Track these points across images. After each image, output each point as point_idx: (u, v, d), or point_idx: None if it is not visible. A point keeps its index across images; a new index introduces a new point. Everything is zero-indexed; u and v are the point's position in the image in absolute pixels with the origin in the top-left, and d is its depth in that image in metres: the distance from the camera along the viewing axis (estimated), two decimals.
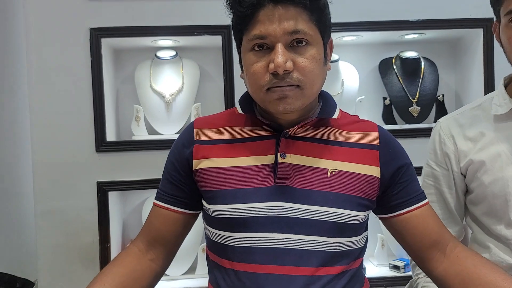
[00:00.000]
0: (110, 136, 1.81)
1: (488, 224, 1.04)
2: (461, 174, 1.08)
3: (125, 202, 1.95)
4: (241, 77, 0.92)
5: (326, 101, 0.95)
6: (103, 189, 1.74)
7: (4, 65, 1.99)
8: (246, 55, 0.86)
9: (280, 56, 0.80)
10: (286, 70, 0.81)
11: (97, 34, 1.72)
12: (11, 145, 1.90)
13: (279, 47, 0.81)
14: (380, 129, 0.95)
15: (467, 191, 1.10)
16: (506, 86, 1.04)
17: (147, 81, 1.87)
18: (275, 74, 0.82)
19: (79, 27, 1.72)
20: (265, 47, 0.84)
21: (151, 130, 1.89)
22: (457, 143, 1.07)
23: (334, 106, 0.95)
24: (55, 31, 1.72)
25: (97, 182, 1.74)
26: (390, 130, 1.79)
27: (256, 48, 0.84)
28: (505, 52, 0.96)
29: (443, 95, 1.95)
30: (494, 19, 1.01)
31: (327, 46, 0.90)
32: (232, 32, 0.92)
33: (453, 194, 1.10)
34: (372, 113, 1.99)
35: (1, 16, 1.99)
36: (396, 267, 1.83)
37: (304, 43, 0.83)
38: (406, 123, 1.90)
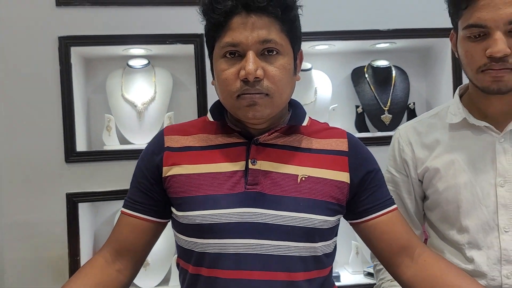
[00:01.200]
0: (81, 146, 1.77)
1: (442, 229, 1.06)
2: (419, 180, 1.10)
3: (96, 214, 1.91)
4: (212, 84, 0.93)
5: (295, 109, 0.96)
6: (73, 200, 1.70)
7: None
8: (217, 61, 0.87)
9: (251, 63, 0.82)
10: (257, 77, 0.82)
11: (66, 43, 1.69)
12: None
13: (251, 55, 0.82)
14: (349, 135, 0.96)
15: (424, 197, 1.12)
16: (461, 96, 1.07)
17: (119, 90, 1.84)
18: (246, 81, 0.83)
19: (47, 35, 1.69)
20: (237, 55, 0.85)
21: (123, 140, 1.86)
22: (415, 150, 1.09)
23: (303, 113, 0.96)
24: (22, 39, 1.68)
25: (66, 194, 1.69)
26: (362, 138, 1.83)
27: (227, 55, 0.85)
28: (461, 63, 0.99)
29: (414, 103, 1.99)
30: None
31: (297, 56, 0.92)
32: (205, 39, 0.92)
33: (412, 200, 1.12)
34: (345, 121, 2.01)
35: None
36: (370, 274, 1.84)
37: (275, 52, 0.85)
38: (379, 131, 1.93)
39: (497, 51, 0.88)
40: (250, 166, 0.89)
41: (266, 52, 0.84)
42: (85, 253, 1.75)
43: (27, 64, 1.68)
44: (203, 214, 0.86)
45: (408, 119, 1.97)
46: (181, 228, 0.91)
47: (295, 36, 0.89)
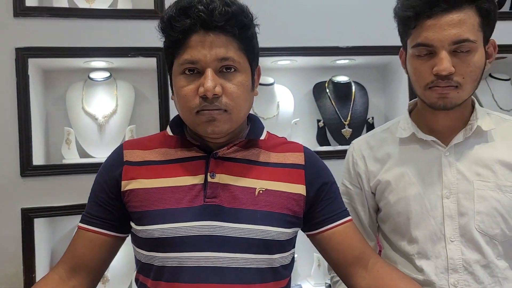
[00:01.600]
0: (38, 159, 1.72)
1: (395, 240, 1.10)
2: (372, 193, 1.13)
3: (54, 229, 1.85)
4: (172, 99, 0.94)
5: (254, 123, 0.99)
6: (28, 215, 1.64)
7: None
8: (177, 78, 0.88)
9: (210, 81, 0.83)
10: (215, 94, 0.84)
11: (24, 54, 1.65)
12: None
13: (209, 72, 0.84)
14: (305, 149, 0.99)
15: (378, 209, 1.15)
16: (410, 112, 1.12)
17: (79, 102, 1.81)
18: (205, 98, 0.84)
19: (4, 46, 1.65)
20: (196, 71, 0.86)
21: (83, 153, 1.82)
22: (368, 164, 1.12)
23: (261, 128, 0.99)
24: None
25: (21, 209, 1.64)
26: (324, 151, 1.87)
27: (186, 72, 0.87)
28: (410, 80, 1.04)
29: (372, 118, 2.05)
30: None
31: (254, 73, 0.95)
32: (164, 55, 0.93)
33: (366, 212, 1.15)
34: (306, 134, 2.04)
35: None
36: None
37: (233, 69, 0.87)
38: (339, 144, 1.97)
39: (442, 69, 0.93)
40: (209, 179, 0.89)
41: (225, 69, 0.86)
42: (41, 270, 1.69)
43: None
44: (162, 228, 0.86)
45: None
46: (140, 242, 0.90)
47: (252, 53, 0.91)
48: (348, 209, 1.01)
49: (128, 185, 0.91)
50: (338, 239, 0.95)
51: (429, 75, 0.96)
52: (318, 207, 0.95)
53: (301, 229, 0.99)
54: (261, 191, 0.90)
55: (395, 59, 1.97)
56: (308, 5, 1.88)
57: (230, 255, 0.86)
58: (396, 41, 1.06)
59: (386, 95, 2.14)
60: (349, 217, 0.98)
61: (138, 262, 0.94)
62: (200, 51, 0.84)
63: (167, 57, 0.91)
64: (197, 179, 0.90)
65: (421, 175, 1.05)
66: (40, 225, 1.71)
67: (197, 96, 0.85)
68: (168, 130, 0.97)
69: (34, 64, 1.71)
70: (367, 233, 1.16)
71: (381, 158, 1.11)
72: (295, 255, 1.85)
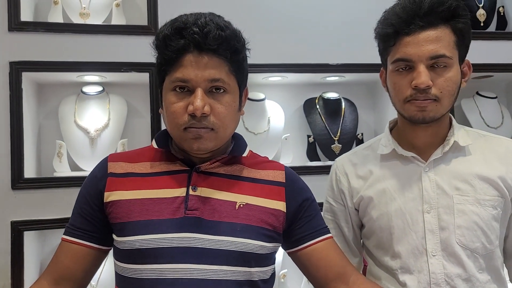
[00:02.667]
0: (29, 172, 1.73)
1: (378, 256, 1.11)
2: (355, 209, 1.15)
3: (43, 242, 1.85)
4: (160, 112, 0.97)
5: (237, 141, 1.02)
6: (18, 228, 1.64)
7: None
8: (167, 94, 0.91)
9: (199, 100, 0.86)
10: (204, 113, 0.87)
11: (18, 68, 1.67)
12: None
13: (199, 92, 0.87)
14: (286, 168, 1.02)
15: (361, 226, 1.17)
16: (391, 130, 1.15)
17: (72, 116, 1.82)
18: (193, 116, 0.87)
19: None
20: (186, 89, 0.89)
21: (75, 167, 1.83)
22: (350, 181, 1.15)
23: (244, 145, 1.02)
24: None
25: (11, 222, 1.64)
26: (314, 166, 1.89)
27: (177, 89, 0.89)
28: (390, 97, 1.08)
29: (362, 134, 2.08)
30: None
31: (242, 93, 0.98)
32: (156, 70, 0.95)
33: (350, 228, 1.17)
34: (297, 150, 2.07)
35: None
36: None
37: (222, 90, 0.90)
38: (329, 160, 2.00)
39: (420, 83, 0.97)
40: (191, 192, 0.91)
41: (214, 90, 0.89)
42: (29, 283, 1.67)
43: None
44: (143, 239, 0.88)
45: None
46: (121, 254, 0.91)
47: (242, 76, 0.94)
48: (332, 226, 1.03)
49: (110, 196, 0.93)
50: (319, 256, 0.96)
51: (407, 89, 1.00)
52: (298, 224, 0.97)
53: (282, 247, 1.00)
54: (241, 205, 0.92)
55: None
56: (299, 22, 1.92)
57: (209, 267, 0.87)
58: None
59: (376, 111, 2.18)
60: (329, 234, 1.00)
61: (117, 275, 0.95)
62: (192, 71, 0.87)
63: (159, 72, 0.93)
64: (179, 192, 0.92)
65: (402, 190, 1.07)
66: (29, 238, 1.70)
67: (185, 114, 0.88)
68: (154, 143, 0.99)
69: (27, 78, 1.72)
70: (351, 249, 1.17)
71: (363, 175, 1.13)
72: (284, 271, 1.88)
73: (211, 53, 0.87)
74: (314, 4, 1.94)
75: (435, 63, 0.98)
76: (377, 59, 1.91)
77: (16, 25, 1.68)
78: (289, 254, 1.01)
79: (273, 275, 0.98)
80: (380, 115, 2.14)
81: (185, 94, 0.89)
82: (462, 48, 1.02)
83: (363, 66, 1.95)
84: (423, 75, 0.96)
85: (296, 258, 0.99)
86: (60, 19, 1.80)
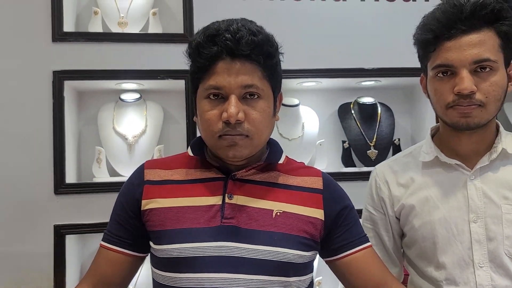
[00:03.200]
0: (70, 178, 1.78)
1: (421, 266, 1.08)
2: (396, 218, 1.12)
3: (84, 246, 1.90)
4: (194, 120, 0.97)
5: (273, 147, 1.00)
6: (61, 232, 1.70)
7: None
8: (201, 102, 0.91)
9: (233, 107, 0.86)
10: (238, 120, 0.86)
11: (60, 77, 1.73)
12: None
13: (233, 99, 0.86)
14: (324, 175, 1.00)
15: (402, 234, 1.14)
16: (432, 136, 1.12)
17: (110, 123, 1.87)
18: (228, 123, 0.87)
19: (43, 69, 1.73)
20: (220, 96, 0.89)
21: (113, 172, 1.88)
22: (391, 189, 1.12)
23: (280, 152, 1.00)
24: (19, 73, 1.72)
25: (54, 225, 1.69)
26: (349, 173, 1.86)
27: (211, 96, 0.89)
28: (431, 103, 1.04)
29: (399, 139, 2.04)
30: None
31: (277, 99, 0.97)
32: (189, 78, 0.96)
33: (390, 237, 1.14)
34: (331, 155, 2.05)
35: None
36: None
37: (256, 96, 0.89)
38: (365, 166, 1.96)
39: (463, 88, 0.93)
40: (227, 200, 0.91)
41: (248, 96, 0.88)
42: (71, 286, 1.73)
43: (21, 97, 1.71)
44: (180, 248, 0.88)
45: (394, 154, 2.01)
46: (158, 262, 0.92)
47: (275, 81, 0.94)
48: (371, 235, 1.00)
49: (148, 205, 0.94)
50: (358, 266, 0.94)
51: (449, 95, 0.97)
52: (336, 232, 0.95)
53: (320, 255, 0.99)
54: (278, 213, 0.91)
55: None
56: (333, 27, 1.90)
57: (246, 276, 0.86)
58: None
59: (413, 116, 2.13)
60: (368, 243, 0.97)
61: (154, 283, 0.96)
62: (226, 78, 0.86)
63: (192, 80, 0.94)
64: (215, 200, 0.92)
65: (446, 198, 1.04)
66: (71, 241, 1.76)
67: (220, 121, 0.87)
68: (189, 150, 0.99)
69: (69, 86, 1.78)
70: (391, 259, 1.14)
71: (404, 183, 1.10)
72: (319, 278, 1.86)
73: (244, 59, 0.87)
74: (348, 8, 1.92)
75: (479, 68, 0.94)
76: (414, 63, 1.87)
77: (59, 35, 1.74)
78: (326, 262, 0.99)
79: (311, 283, 0.97)
80: (417, 120, 2.09)
81: (219, 102, 0.88)
82: (508, 51, 0.97)
83: (399, 70, 1.91)
84: (466, 81, 0.93)
85: (334, 267, 0.98)
86: (99, 29, 1.86)
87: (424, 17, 1.02)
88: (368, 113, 2.01)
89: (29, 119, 1.72)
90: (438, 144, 1.08)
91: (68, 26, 1.81)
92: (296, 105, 1.97)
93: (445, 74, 0.97)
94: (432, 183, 1.06)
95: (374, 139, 1.98)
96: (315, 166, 1.93)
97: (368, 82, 2.00)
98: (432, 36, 0.97)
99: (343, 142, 2.01)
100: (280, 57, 0.95)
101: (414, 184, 1.09)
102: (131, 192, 0.96)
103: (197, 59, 0.89)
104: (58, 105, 1.73)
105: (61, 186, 1.71)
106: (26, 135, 1.71)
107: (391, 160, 1.18)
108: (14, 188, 1.69)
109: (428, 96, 1.05)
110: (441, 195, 1.04)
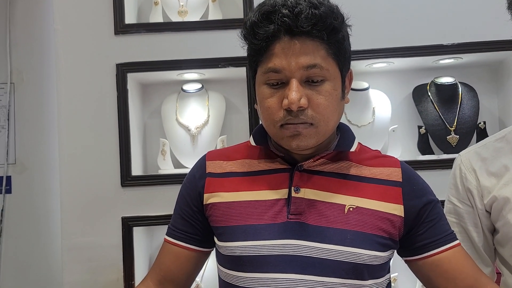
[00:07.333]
0: (136, 170, 1.80)
1: None
2: (486, 211, 0.99)
3: (151, 238, 1.92)
4: (255, 108, 0.90)
5: (344, 133, 0.91)
6: (128, 224, 1.71)
7: (38, 102, 2.07)
8: (260, 87, 0.84)
9: (294, 92, 0.78)
10: (300, 107, 0.78)
11: (123, 69, 1.73)
12: (40, 180, 1.93)
13: (294, 83, 0.78)
14: (403, 165, 0.89)
15: (494, 230, 1.00)
16: None
17: (173, 114, 1.86)
18: (289, 111, 0.79)
19: (106, 62, 1.75)
20: (280, 83, 0.81)
21: (177, 164, 1.87)
22: (480, 178, 0.99)
23: (352, 139, 0.90)
24: (83, 67, 1.75)
25: (122, 217, 1.72)
26: (427, 161, 1.71)
27: (271, 83, 0.82)
28: None
29: (484, 122, 1.83)
30: None
31: (345, 79, 0.86)
32: (247, 62, 0.89)
33: (480, 233, 1.01)
34: (406, 143, 1.89)
35: (36, 50, 2.12)
36: None
37: (320, 78, 0.80)
38: (444, 153, 1.79)
39: None
40: (293, 194, 0.84)
41: (311, 81, 0.80)
42: (139, 277, 1.75)
43: (87, 90, 1.74)
44: (243, 246, 0.83)
45: (478, 139, 1.81)
46: (222, 259, 0.88)
47: (343, 58, 0.83)
48: (457, 230, 0.89)
49: (210, 199, 0.89)
50: (446, 267, 0.83)
51: None
52: (419, 230, 0.84)
53: (398, 253, 0.89)
54: (351, 209, 0.82)
55: (511, 55, 1.75)
56: (405, 0, 1.73)
57: (316, 278, 0.79)
58: (511, 34, 0.92)
59: (500, 96, 1.90)
60: (457, 241, 0.86)
61: (219, 280, 0.92)
62: (284, 59, 0.79)
63: (250, 65, 0.87)
64: (280, 194, 0.85)
65: None
66: (138, 233, 1.77)
67: (281, 109, 0.80)
68: (251, 140, 0.93)
69: (132, 79, 1.79)
70: (481, 258, 1.01)
71: (496, 172, 0.97)
72: (395, 274, 1.73)
73: (304, 37, 0.78)
74: None
75: None
76: (501, 35, 1.68)
77: (121, 28, 1.74)
78: (406, 261, 0.89)
79: (389, 285, 0.87)
80: (505, 100, 1.86)
81: (280, 87, 0.81)
82: None
83: (484, 45, 1.71)
84: None
85: (416, 267, 0.87)
86: (160, 19, 1.84)
87: None
88: (447, 94, 1.82)
89: (95, 114, 1.74)
90: None
91: (130, 18, 1.81)
92: (366, 89, 1.83)
93: None
94: None
95: (455, 123, 1.79)
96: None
97: (447, 60, 1.80)
98: None
99: (419, 127, 1.84)
100: (348, 30, 0.84)
101: (508, 173, 0.95)
102: (193, 185, 0.93)
103: (252, 41, 0.82)
104: (122, 98, 1.74)
105: (127, 179, 1.73)
106: (93, 129, 1.74)
107: (479, 146, 1.04)
108: (84, 183, 1.72)
109: None
110: None
